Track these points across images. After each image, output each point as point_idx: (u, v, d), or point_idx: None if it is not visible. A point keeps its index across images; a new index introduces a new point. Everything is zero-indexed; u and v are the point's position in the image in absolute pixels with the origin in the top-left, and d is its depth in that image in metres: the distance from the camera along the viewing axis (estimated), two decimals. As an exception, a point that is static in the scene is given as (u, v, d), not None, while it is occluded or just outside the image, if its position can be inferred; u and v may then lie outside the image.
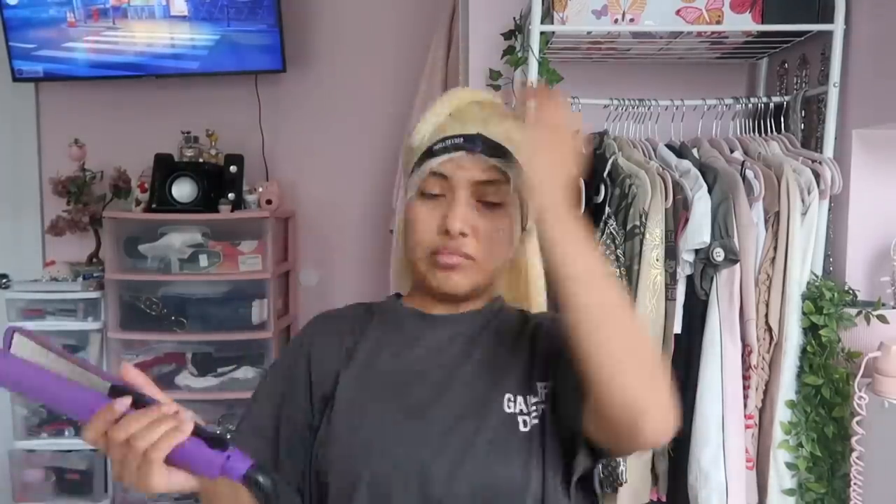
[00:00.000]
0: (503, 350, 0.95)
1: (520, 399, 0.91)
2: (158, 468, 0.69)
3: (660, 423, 0.76)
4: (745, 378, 1.63)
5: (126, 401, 0.70)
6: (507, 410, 0.90)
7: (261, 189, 2.87)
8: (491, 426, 0.88)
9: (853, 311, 1.63)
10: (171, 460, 0.70)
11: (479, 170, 0.93)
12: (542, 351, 0.94)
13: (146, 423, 0.70)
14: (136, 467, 0.69)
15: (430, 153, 0.94)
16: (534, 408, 0.91)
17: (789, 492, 1.67)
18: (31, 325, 2.84)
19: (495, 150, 0.93)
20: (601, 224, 1.63)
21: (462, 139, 0.92)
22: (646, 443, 0.79)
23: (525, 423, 0.90)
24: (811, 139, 1.82)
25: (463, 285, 0.94)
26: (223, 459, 0.69)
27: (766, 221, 1.66)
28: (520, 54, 1.90)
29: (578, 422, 0.85)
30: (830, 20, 1.71)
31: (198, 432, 0.71)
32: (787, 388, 1.66)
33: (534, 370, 0.93)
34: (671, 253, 1.63)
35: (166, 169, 2.79)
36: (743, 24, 1.77)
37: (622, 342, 0.78)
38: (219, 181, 2.81)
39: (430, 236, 0.93)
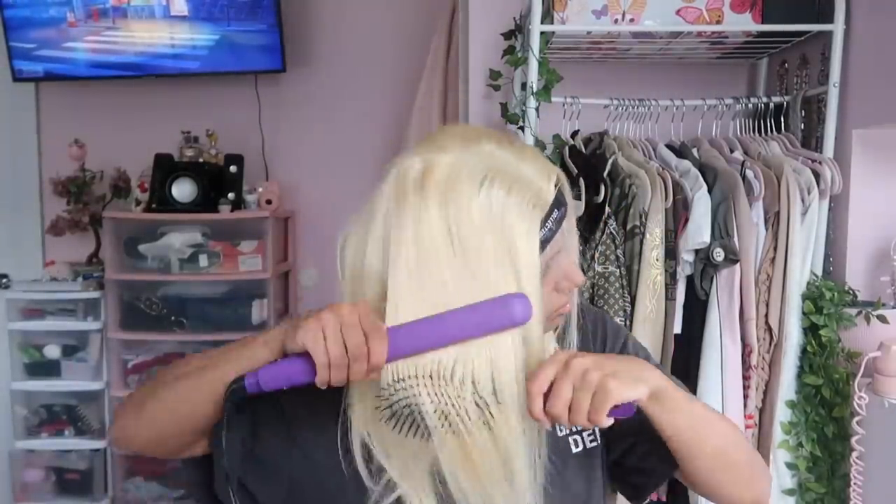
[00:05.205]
0: None
1: None
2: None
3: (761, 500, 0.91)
4: (745, 378, 1.63)
5: None
6: (559, 434, 0.90)
7: (261, 189, 2.87)
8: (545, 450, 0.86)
9: (853, 311, 1.63)
10: None
11: (573, 216, 0.85)
12: None
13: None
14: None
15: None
16: (588, 430, 0.91)
17: (789, 492, 1.67)
18: (31, 324, 2.85)
19: (565, 189, 0.83)
20: (601, 224, 1.63)
21: (556, 210, 0.80)
22: None
23: (577, 443, 0.90)
24: (811, 139, 1.82)
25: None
26: None
27: (766, 221, 1.66)
28: (520, 54, 1.90)
29: (666, 473, 0.91)
30: (830, 20, 1.71)
31: None
32: (787, 388, 1.66)
33: None
34: (671, 253, 1.63)
35: (166, 169, 2.79)
36: (743, 24, 1.77)
37: (733, 468, 0.87)
38: (219, 181, 2.81)
39: (553, 304, 0.84)
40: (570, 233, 0.84)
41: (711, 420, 0.87)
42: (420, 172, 0.77)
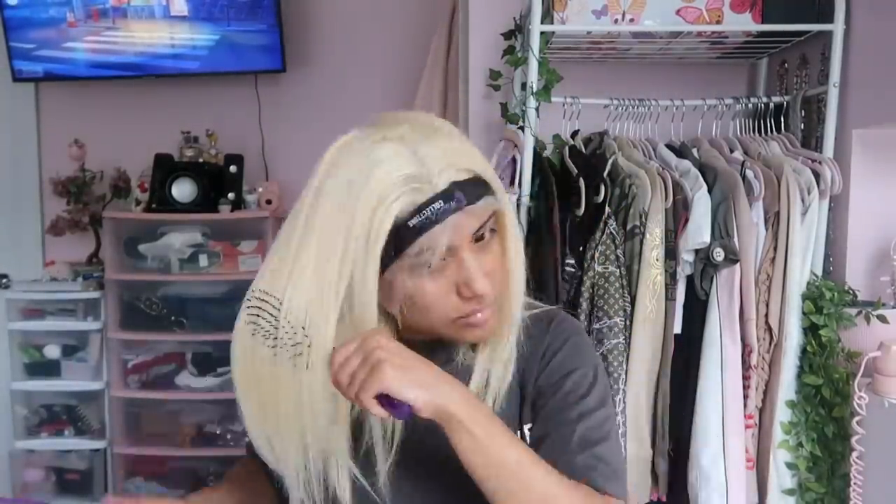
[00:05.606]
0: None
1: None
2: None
3: None
4: (745, 378, 1.63)
5: None
6: None
7: (260, 189, 2.88)
8: None
9: (853, 311, 1.63)
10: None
11: (474, 220, 0.79)
12: (532, 397, 0.90)
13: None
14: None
15: (408, 231, 0.76)
16: None
17: (789, 492, 1.67)
18: (31, 324, 2.85)
19: (477, 191, 0.79)
20: (601, 224, 1.63)
21: (442, 202, 0.76)
22: None
23: None
24: (811, 139, 1.82)
25: (494, 327, 0.86)
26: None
27: (766, 221, 1.66)
28: (520, 54, 1.90)
29: None
30: (830, 20, 1.71)
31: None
32: (787, 387, 1.66)
33: (524, 408, 0.90)
34: (671, 253, 1.63)
35: (166, 169, 2.79)
36: (743, 23, 1.77)
37: None
38: (219, 181, 2.82)
39: (452, 308, 0.81)
40: (474, 232, 0.80)
41: (524, 473, 0.77)
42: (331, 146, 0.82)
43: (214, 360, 2.88)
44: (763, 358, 1.66)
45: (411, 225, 0.75)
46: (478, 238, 0.81)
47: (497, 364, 0.88)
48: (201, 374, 2.87)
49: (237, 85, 2.98)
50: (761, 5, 1.76)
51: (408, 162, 0.76)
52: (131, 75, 2.90)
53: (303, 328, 0.76)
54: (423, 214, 0.75)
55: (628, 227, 1.64)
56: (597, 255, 1.62)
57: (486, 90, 2.07)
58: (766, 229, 1.66)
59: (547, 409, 0.88)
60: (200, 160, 2.86)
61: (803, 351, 1.66)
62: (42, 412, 2.90)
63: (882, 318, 1.60)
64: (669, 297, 1.63)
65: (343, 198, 0.77)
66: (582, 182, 1.68)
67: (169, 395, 2.88)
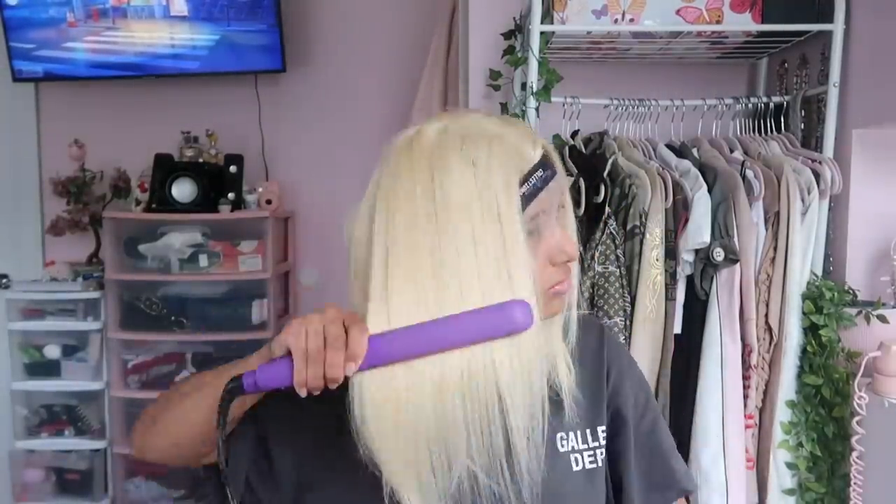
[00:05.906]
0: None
1: (572, 435, 0.89)
2: None
3: None
4: (745, 378, 1.63)
5: None
6: (561, 449, 0.88)
7: (261, 189, 2.88)
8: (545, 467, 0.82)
9: (853, 310, 1.63)
10: None
11: (560, 189, 0.84)
12: (612, 403, 0.93)
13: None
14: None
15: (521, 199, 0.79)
16: (589, 451, 0.89)
17: (789, 492, 1.67)
18: (31, 324, 2.85)
19: (554, 163, 0.84)
20: (601, 224, 1.63)
21: (542, 170, 0.80)
22: None
23: (577, 461, 0.88)
24: (811, 139, 1.82)
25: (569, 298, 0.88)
26: None
27: (766, 221, 1.66)
28: (520, 54, 1.91)
29: None
30: (830, 20, 1.71)
31: None
32: (787, 387, 1.66)
33: (597, 414, 0.91)
34: (671, 253, 1.63)
35: (166, 169, 2.79)
36: (743, 23, 1.77)
37: None
38: (219, 181, 2.82)
39: (547, 278, 0.82)
40: (559, 200, 0.83)
41: None
42: (409, 138, 0.81)
43: (214, 360, 2.87)
44: (763, 358, 1.66)
45: (523, 193, 0.78)
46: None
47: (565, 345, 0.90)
48: (201, 374, 2.87)
49: (237, 85, 2.98)
50: (761, 5, 1.76)
51: (506, 144, 0.79)
52: (131, 75, 2.90)
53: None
54: (530, 182, 0.79)
55: (628, 227, 1.64)
56: (597, 255, 1.62)
57: (486, 90, 2.07)
58: (766, 229, 1.66)
59: (641, 427, 0.94)
60: (200, 160, 2.86)
61: (803, 351, 1.66)
62: (42, 412, 2.90)
63: (882, 318, 1.60)
64: (669, 297, 1.63)
65: (469, 196, 0.76)
66: (582, 182, 1.68)
67: (169, 395, 2.87)
